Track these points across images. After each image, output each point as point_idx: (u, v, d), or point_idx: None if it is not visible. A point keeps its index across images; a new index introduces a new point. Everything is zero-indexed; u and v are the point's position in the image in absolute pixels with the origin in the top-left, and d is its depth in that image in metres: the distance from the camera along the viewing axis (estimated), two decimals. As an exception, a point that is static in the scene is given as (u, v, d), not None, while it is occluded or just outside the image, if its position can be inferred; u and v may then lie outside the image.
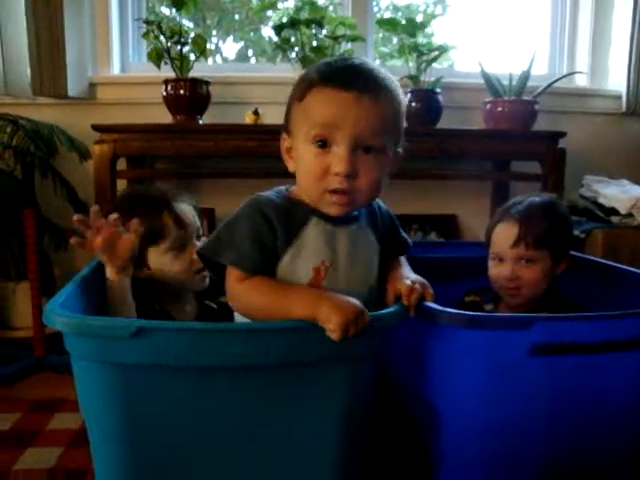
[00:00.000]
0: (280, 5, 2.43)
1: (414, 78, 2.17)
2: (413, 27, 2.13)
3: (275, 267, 0.88)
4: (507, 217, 1.24)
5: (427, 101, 2.16)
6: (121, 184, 2.00)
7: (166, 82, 2.04)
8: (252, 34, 2.79)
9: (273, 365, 0.80)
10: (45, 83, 2.09)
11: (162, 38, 2.01)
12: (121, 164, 2.01)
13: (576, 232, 1.92)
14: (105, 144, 1.90)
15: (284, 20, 2.09)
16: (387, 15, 2.68)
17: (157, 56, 2.03)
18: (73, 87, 2.13)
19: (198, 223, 1.22)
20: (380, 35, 2.67)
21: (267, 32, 2.68)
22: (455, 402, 0.95)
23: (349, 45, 2.21)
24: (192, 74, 2.07)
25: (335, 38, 2.07)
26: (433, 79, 2.19)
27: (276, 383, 0.83)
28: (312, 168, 0.86)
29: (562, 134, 2.09)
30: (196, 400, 0.81)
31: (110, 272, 1.05)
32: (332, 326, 0.77)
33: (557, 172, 2.05)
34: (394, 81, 0.89)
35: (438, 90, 2.17)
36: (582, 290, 1.32)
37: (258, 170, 1.93)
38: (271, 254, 0.88)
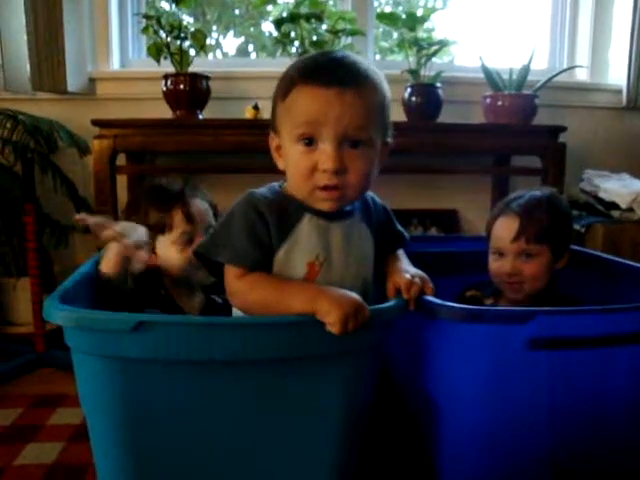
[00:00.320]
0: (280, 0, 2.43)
1: (414, 72, 2.16)
2: (413, 21, 2.12)
3: (272, 262, 0.89)
4: (508, 211, 1.24)
5: (427, 96, 2.15)
6: (121, 180, 2.00)
7: (166, 77, 2.03)
8: (252, 29, 2.78)
9: (273, 360, 0.81)
10: (45, 78, 2.09)
11: (162, 33, 2.00)
12: (121, 160, 2.01)
13: (576, 226, 1.92)
14: (105, 139, 1.89)
15: (284, 14, 2.09)
16: (387, 9, 2.67)
17: (157, 51, 2.03)
18: (72, 82, 2.13)
19: (211, 220, 1.22)
20: (380, 30, 2.67)
21: (267, 27, 2.68)
22: (455, 396, 0.95)
23: (349, 39, 2.20)
24: (192, 69, 2.06)
25: (335, 32, 2.07)
26: (433, 73, 2.18)
27: (276, 378, 0.83)
28: (300, 166, 0.86)
29: (562, 128, 2.09)
30: (195, 394, 0.82)
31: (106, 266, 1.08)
32: (332, 320, 0.77)
33: (557, 166, 2.04)
34: (377, 72, 0.89)
35: (438, 84, 2.16)
36: (582, 284, 1.32)
37: (258, 165, 1.93)
38: (267, 250, 0.88)
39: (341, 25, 2.08)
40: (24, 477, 1.19)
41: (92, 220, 1.05)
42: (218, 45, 2.76)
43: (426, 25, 2.24)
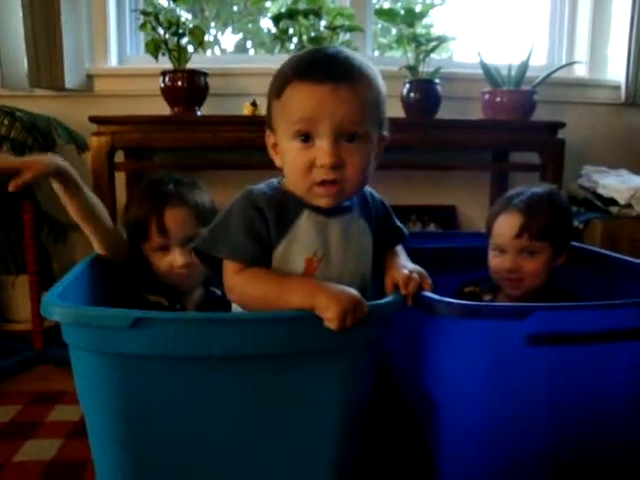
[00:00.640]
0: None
1: (413, 69, 2.16)
2: (412, 17, 2.12)
3: (270, 258, 0.89)
4: (510, 208, 1.23)
5: (426, 92, 2.15)
6: (119, 176, 1.99)
7: (164, 73, 2.03)
8: (250, 25, 2.78)
9: (271, 355, 0.81)
10: (42, 75, 2.08)
11: (160, 29, 1.99)
12: (119, 156, 2.01)
13: (575, 222, 1.92)
14: (103, 136, 1.89)
15: (282, 11, 2.08)
16: (386, 5, 2.67)
17: (155, 47, 2.02)
18: (70, 79, 2.13)
19: (191, 230, 1.19)
20: (379, 26, 2.66)
21: (265, 23, 2.68)
22: (453, 392, 0.95)
23: (347, 36, 2.20)
24: (190, 66, 2.06)
25: (333, 29, 2.06)
26: (432, 70, 2.18)
27: (274, 373, 0.83)
28: (297, 163, 0.86)
29: (561, 124, 2.09)
30: (194, 390, 0.81)
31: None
32: (330, 316, 0.77)
33: (556, 162, 2.04)
34: (371, 67, 0.89)
35: (437, 81, 2.15)
36: (580, 280, 1.32)
37: (256, 161, 1.92)
38: (266, 245, 0.88)
39: (339, 21, 2.08)
40: (23, 473, 1.19)
41: None
42: (216, 41, 2.76)
43: (425, 21, 2.23)
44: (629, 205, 1.99)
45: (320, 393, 0.85)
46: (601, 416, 0.97)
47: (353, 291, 0.81)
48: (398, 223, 1.08)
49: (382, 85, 0.90)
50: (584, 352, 0.92)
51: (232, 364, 0.81)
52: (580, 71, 2.53)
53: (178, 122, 2.00)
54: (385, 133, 0.94)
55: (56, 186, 1.17)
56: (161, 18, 1.99)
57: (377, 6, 2.51)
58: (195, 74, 2.03)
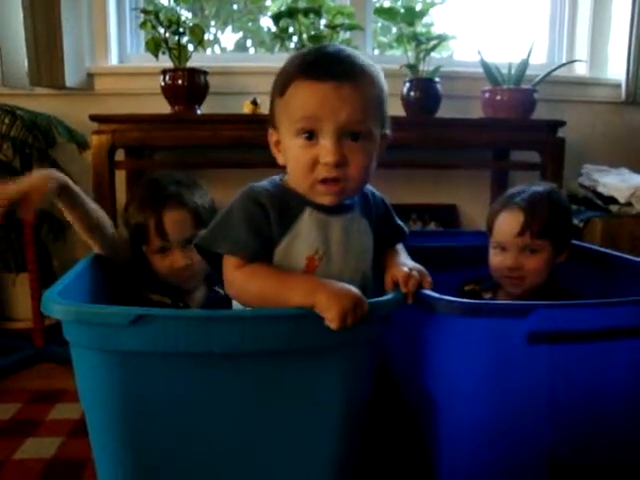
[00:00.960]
0: (278, -6, 2.43)
1: (413, 67, 2.15)
2: (412, 16, 2.11)
3: (272, 255, 0.89)
4: (511, 206, 1.23)
5: (426, 90, 2.14)
6: (119, 175, 1.99)
7: (164, 72, 2.03)
8: (250, 24, 2.78)
9: (272, 352, 0.81)
10: (43, 74, 2.08)
11: (160, 28, 1.99)
12: (120, 155, 2.01)
13: (575, 221, 1.92)
14: (103, 135, 1.89)
15: (282, 9, 2.08)
16: (386, 4, 2.67)
17: (155, 46, 2.02)
18: (71, 77, 2.12)
19: (189, 232, 1.20)
20: (379, 24, 2.66)
21: (265, 22, 2.67)
22: (454, 390, 0.95)
23: (347, 34, 2.20)
24: (190, 64, 2.05)
25: (333, 27, 2.06)
26: (432, 68, 2.18)
27: (275, 370, 0.83)
28: (300, 160, 0.86)
29: (561, 123, 2.09)
30: (194, 387, 0.82)
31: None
32: (331, 315, 0.77)
33: (556, 161, 2.04)
34: (373, 65, 0.89)
35: (437, 79, 2.15)
36: (581, 278, 1.32)
37: (256, 160, 1.92)
38: (267, 241, 0.88)
39: (339, 20, 2.08)
40: (23, 471, 1.19)
41: None
42: (216, 40, 2.76)
43: (425, 20, 2.23)
44: (629, 204, 1.99)
45: (320, 390, 0.85)
46: (601, 414, 0.97)
47: (354, 289, 0.80)
48: (398, 221, 1.08)
49: (384, 83, 0.90)
50: (584, 350, 0.92)
51: (232, 361, 0.81)
52: (580, 69, 2.53)
53: (178, 121, 2.00)
54: (387, 131, 0.94)
55: (60, 202, 1.11)
56: (161, 17, 1.99)
57: (377, 5, 2.50)
58: (195, 73, 2.03)
